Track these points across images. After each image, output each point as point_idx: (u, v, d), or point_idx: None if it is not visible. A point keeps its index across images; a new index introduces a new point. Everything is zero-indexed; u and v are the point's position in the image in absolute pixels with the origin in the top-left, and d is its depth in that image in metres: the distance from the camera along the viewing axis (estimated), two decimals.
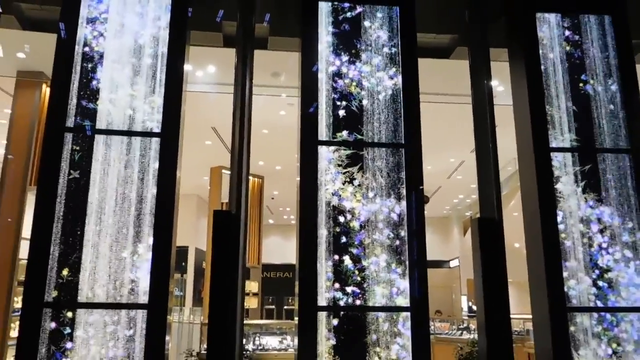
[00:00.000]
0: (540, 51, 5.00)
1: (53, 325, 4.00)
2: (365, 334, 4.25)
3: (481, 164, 4.75)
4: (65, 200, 4.20)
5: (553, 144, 4.78)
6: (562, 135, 4.83)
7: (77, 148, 4.30)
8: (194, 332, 12.62)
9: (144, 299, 4.11)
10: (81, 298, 4.06)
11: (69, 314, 4.03)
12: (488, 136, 4.69)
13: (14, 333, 6.35)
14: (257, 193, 12.29)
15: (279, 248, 19.52)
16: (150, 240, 4.19)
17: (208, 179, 11.49)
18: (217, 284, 3.93)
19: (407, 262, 4.36)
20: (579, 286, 4.50)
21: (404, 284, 4.33)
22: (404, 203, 4.46)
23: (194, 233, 14.99)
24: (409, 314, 4.28)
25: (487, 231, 4.48)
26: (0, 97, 7.89)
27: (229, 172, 9.75)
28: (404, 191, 4.49)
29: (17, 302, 6.47)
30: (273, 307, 15.94)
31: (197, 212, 15.55)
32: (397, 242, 4.39)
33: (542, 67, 4.97)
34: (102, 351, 4.02)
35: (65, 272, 4.07)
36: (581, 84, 4.97)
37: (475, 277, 4.53)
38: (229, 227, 4.04)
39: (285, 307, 16.38)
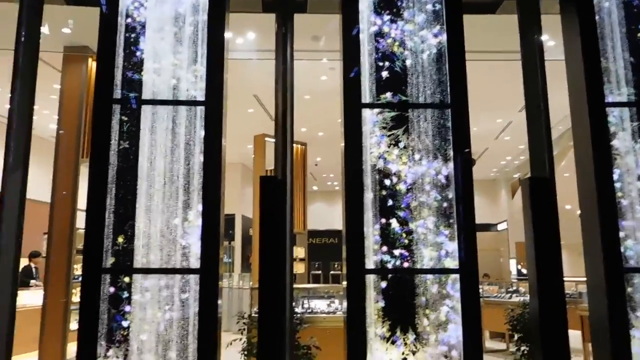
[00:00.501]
0: (595, 0, 4.73)
1: (112, 290, 4.18)
2: (414, 296, 4.25)
3: (532, 121, 4.59)
4: (117, 170, 4.33)
5: (609, 99, 4.56)
6: (618, 90, 4.59)
7: (126, 119, 4.39)
8: (244, 297, 12.99)
9: (195, 264, 4.22)
10: (136, 264, 4.21)
11: (126, 279, 4.20)
12: (539, 93, 4.52)
13: (76, 298, 6.68)
14: (301, 160, 12.34)
15: (324, 214, 19.67)
16: (200, 207, 4.28)
17: (252, 147, 11.60)
18: (267, 248, 3.99)
19: (455, 224, 4.31)
20: (636, 246, 4.34)
21: (453, 246, 4.29)
22: (451, 165, 4.38)
23: (239, 201, 15.25)
24: (458, 275, 4.25)
25: (539, 191, 4.35)
26: (50, 73, 8.13)
27: (272, 140, 9.82)
28: (450, 152, 4.39)
29: (77, 270, 6.79)
30: (319, 272, 16.14)
31: (242, 181, 15.78)
32: (445, 204, 4.33)
33: (597, 17, 4.70)
34: (159, 314, 4.18)
35: (120, 239, 4.22)
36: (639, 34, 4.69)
37: (526, 239, 4.43)
38: (276, 192, 4.07)
39: (332, 272, 16.53)
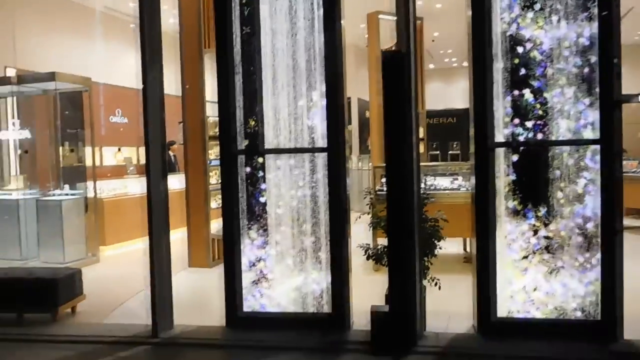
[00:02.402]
0: None
1: (248, 170, 4.49)
2: (547, 170, 4.08)
3: None
4: (242, 57, 4.45)
5: None
6: None
7: (244, 1, 4.42)
8: (363, 178, 13.36)
9: (322, 143, 4.36)
10: (268, 145, 4.44)
11: (260, 160, 4.47)
12: None
13: (213, 180, 7.28)
14: (418, 36, 11.77)
15: (442, 93, 19.02)
16: (323, 88, 4.32)
17: (364, 27, 11.22)
18: (391, 123, 3.98)
19: (596, 92, 3.96)
20: None
21: (593, 115, 3.98)
22: (595, 25, 3.93)
23: (355, 83, 15.13)
24: (598, 147, 3.98)
25: None
26: None
27: (387, 17, 9.36)
28: (594, 10, 3.93)
29: (211, 155, 7.32)
30: (437, 152, 15.95)
31: (355, 63, 15.54)
32: (586, 71, 3.97)
33: None
34: (292, 192, 4.45)
35: (251, 122, 4.44)
36: None
37: None
38: (399, 66, 3.96)
39: (450, 152, 16.28)
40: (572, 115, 4.01)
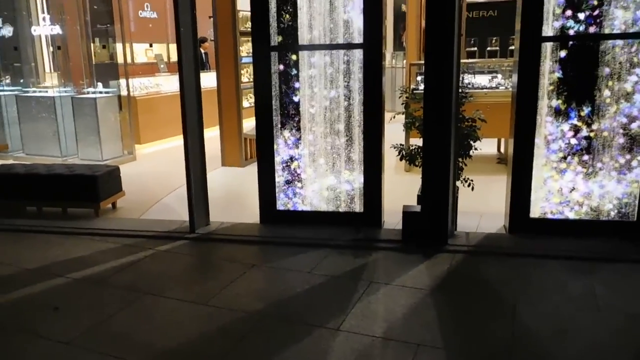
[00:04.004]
0: None
1: (281, 67, 4.36)
2: (597, 66, 3.85)
3: None
4: None
5: None
6: None
7: None
8: (397, 76, 12.99)
9: (359, 39, 4.17)
10: (302, 41, 4.28)
11: (293, 57, 4.33)
12: None
13: (244, 79, 7.17)
14: None
15: None
16: None
17: None
18: (433, 14, 3.76)
19: None
20: None
21: None
22: None
23: None
24: None
25: None
26: None
27: None
28: None
29: (242, 52, 7.15)
30: (475, 49, 15.27)
31: None
32: None
33: None
34: (325, 91, 4.34)
35: (286, 17, 4.25)
36: None
37: None
38: None
39: (488, 48, 15.55)
40: (631, 4, 3.68)
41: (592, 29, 3.77)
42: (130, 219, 5.03)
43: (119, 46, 7.80)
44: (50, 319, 3.17)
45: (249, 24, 6.99)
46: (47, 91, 7.81)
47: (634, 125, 3.89)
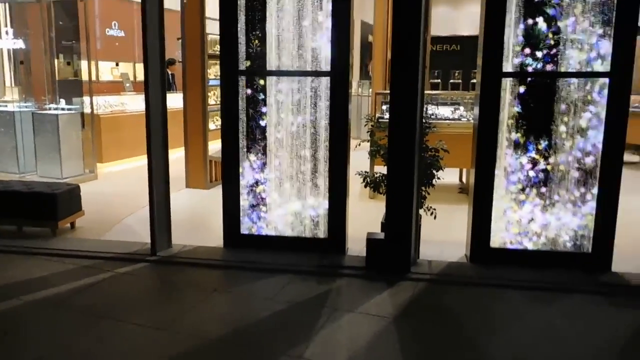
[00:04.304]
0: None
1: (249, 91, 4.39)
2: (554, 102, 4.01)
3: None
4: None
5: None
6: None
7: None
8: (362, 104, 13.19)
9: (326, 67, 4.24)
10: (270, 67, 4.32)
11: (261, 82, 4.36)
12: None
13: (211, 101, 7.16)
14: None
15: (447, 19, 18.41)
16: (329, 7, 4.14)
17: None
18: (399, 47, 3.87)
19: (612, 22, 3.81)
20: None
21: (606, 47, 3.86)
22: None
23: (360, 6, 14.60)
24: (607, 80, 3.89)
25: None
26: None
27: None
28: None
29: (210, 74, 7.15)
30: (438, 81, 15.67)
31: None
32: None
33: None
34: (292, 116, 4.38)
35: (255, 42, 4.29)
36: None
37: None
38: None
39: (451, 81, 15.99)
40: (585, 46, 3.88)
41: (549, 67, 3.95)
42: (89, 239, 4.91)
43: (84, 63, 7.70)
44: None
45: (217, 47, 7.03)
46: (6, 105, 7.61)
47: (588, 160, 4.06)
